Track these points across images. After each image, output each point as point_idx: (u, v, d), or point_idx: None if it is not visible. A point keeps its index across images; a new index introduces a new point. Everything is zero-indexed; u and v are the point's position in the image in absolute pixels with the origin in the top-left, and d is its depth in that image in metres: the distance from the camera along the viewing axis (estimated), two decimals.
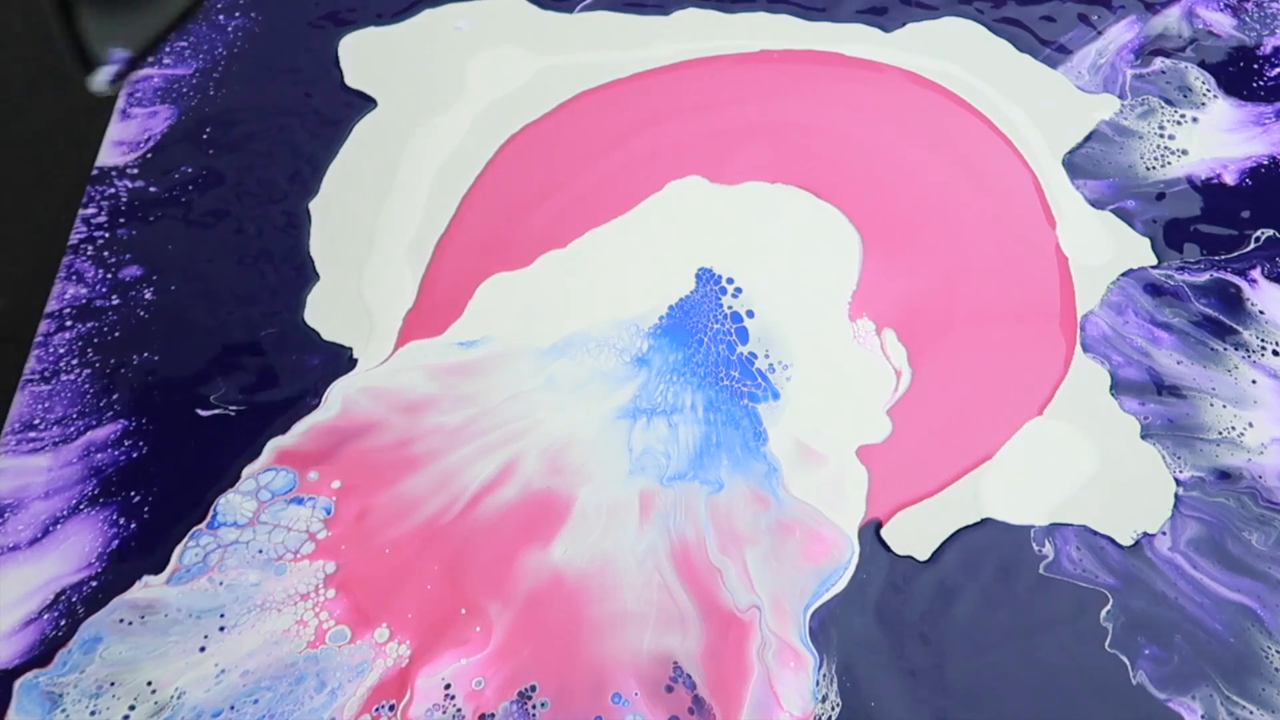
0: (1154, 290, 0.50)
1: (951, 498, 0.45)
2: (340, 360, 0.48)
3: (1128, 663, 0.41)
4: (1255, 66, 0.58)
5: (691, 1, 0.61)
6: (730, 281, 0.50)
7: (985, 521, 0.44)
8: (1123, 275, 0.50)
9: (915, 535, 0.44)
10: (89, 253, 0.52)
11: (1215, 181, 0.53)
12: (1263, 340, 0.48)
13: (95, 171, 0.55)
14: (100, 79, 0.31)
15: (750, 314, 0.49)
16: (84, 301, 0.50)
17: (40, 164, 0.55)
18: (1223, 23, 0.60)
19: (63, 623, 0.41)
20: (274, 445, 0.46)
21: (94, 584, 0.42)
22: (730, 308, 0.49)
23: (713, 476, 0.45)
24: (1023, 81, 0.58)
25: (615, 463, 0.45)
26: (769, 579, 0.42)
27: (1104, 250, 0.51)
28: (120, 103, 0.57)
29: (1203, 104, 0.56)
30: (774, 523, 0.44)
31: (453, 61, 0.59)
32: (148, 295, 0.50)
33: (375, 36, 0.60)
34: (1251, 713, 0.40)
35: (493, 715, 0.40)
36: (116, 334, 0.49)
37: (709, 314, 0.49)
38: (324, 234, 0.52)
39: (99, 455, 0.46)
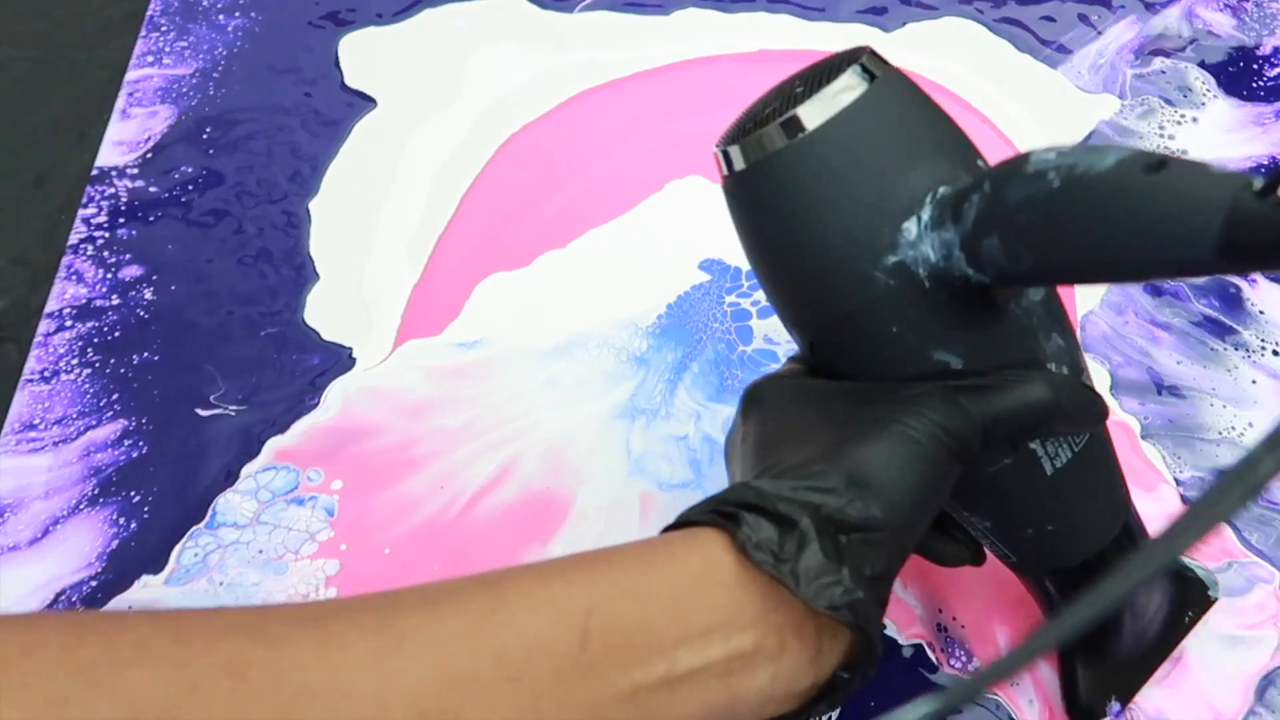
0: (1154, 290, 0.50)
1: None
2: (340, 360, 0.48)
3: None
4: (1255, 66, 0.58)
5: (691, 1, 0.61)
6: (734, 278, 0.50)
7: None
8: None
9: None
10: (89, 253, 0.52)
11: None
12: (1263, 340, 0.48)
13: (95, 171, 0.55)
14: None
15: (757, 313, 0.49)
16: (84, 301, 0.50)
17: (40, 164, 0.55)
18: (1223, 23, 0.60)
19: None
20: (274, 445, 0.46)
21: (94, 584, 0.42)
22: (733, 305, 0.49)
23: (716, 489, 0.45)
24: (1023, 81, 0.58)
25: (615, 463, 0.45)
26: None
27: None
28: (120, 103, 0.57)
29: (1203, 104, 0.56)
30: None
31: (452, 61, 0.59)
32: (148, 295, 0.50)
33: (375, 36, 0.61)
34: None
35: None
36: (116, 334, 0.49)
37: (709, 313, 0.49)
38: (324, 234, 0.52)
39: (99, 455, 0.46)
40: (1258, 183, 0.20)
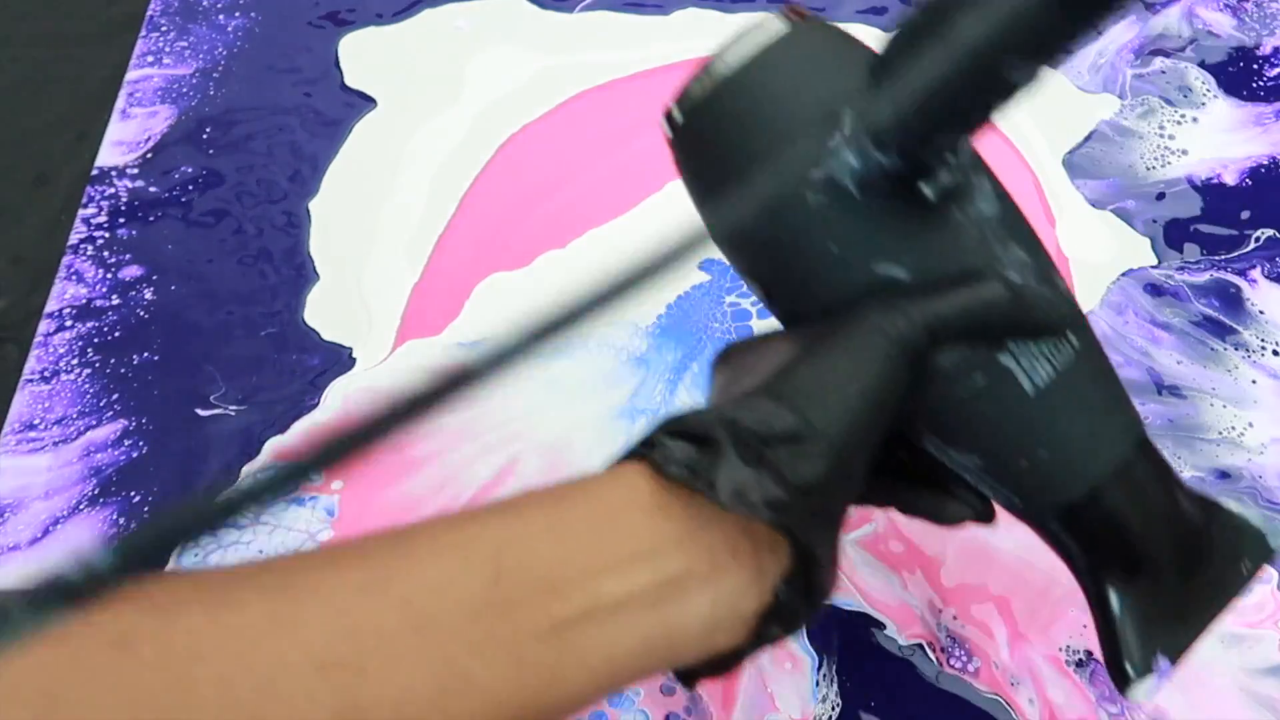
0: (1154, 290, 0.50)
1: None
2: (340, 360, 0.48)
3: None
4: (1255, 66, 0.58)
5: (691, 1, 0.61)
6: (734, 278, 0.50)
7: None
8: (1123, 275, 0.50)
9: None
10: (89, 253, 0.52)
11: (1215, 181, 0.53)
12: (1263, 340, 0.48)
13: (95, 171, 0.55)
14: (1142, 688, 0.32)
15: (757, 313, 0.49)
16: (84, 301, 0.50)
17: (40, 164, 0.55)
18: (1223, 23, 0.60)
19: None
20: (273, 445, 0.46)
21: None
22: (733, 305, 0.49)
23: None
24: None
25: None
26: None
27: (1104, 250, 0.51)
28: (120, 103, 0.57)
29: (1203, 104, 0.56)
30: None
31: (452, 61, 0.59)
32: (148, 295, 0.50)
33: (375, 36, 0.60)
34: None
35: None
36: (116, 334, 0.49)
37: (709, 313, 0.49)
38: (324, 234, 0.52)
39: (99, 455, 0.46)
40: None
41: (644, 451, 0.25)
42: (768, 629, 0.25)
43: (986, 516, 0.33)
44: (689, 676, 0.26)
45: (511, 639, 0.21)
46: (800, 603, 0.25)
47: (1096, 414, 0.31)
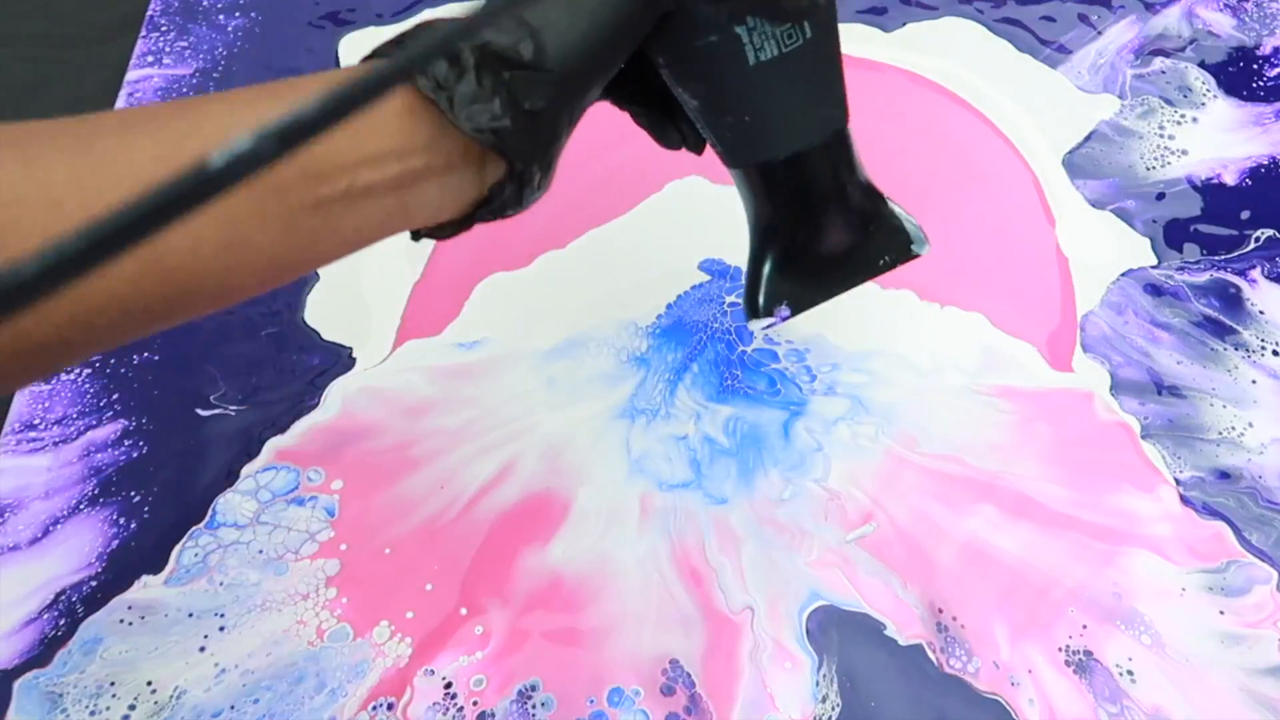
0: (1154, 290, 0.50)
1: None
2: (340, 360, 0.48)
3: None
4: (1255, 66, 0.58)
5: None
6: (734, 278, 0.50)
7: None
8: (1123, 275, 0.50)
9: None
10: None
11: (1215, 181, 0.53)
12: (1263, 340, 0.48)
13: None
14: (762, 324, 0.39)
15: None
16: None
17: None
18: (1223, 23, 0.60)
19: (62, 623, 0.41)
20: (274, 445, 0.46)
21: (94, 584, 0.42)
22: (733, 305, 0.49)
23: (716, 490, 0.45)
24: (1023, 81, 0.58)
25: (614, 463, 0.45)
26: (764, 581, 0.42)
27: (1104, 250, 0.51)
28: (120, 103, 0.57)
29: (1203, 104, 0.56)
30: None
31: None
32: None
33: (375, 36, 0.60)
34: None
35: (493, 714, 0.40)
36: None
37: (709, 313, 0.49)
38: None
39: (99, 455, 0.46)
40: None
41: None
42: (481, 214, 0.31)
43: (699, 149, 0.38)
44: (417, 236, 0.32)
45: (284, 210, 0.26)
46: (510, 202, 0.30)
47: (802, 100, 0.34)
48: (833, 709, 0.39)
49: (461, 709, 0.40)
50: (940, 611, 0.41)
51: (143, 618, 0.42)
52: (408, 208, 0.28)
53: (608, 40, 0.29)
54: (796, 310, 0.39)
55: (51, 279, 0.13)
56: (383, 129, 0.27)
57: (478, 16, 0.29)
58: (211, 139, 0.25)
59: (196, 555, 0.43)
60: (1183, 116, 0.56)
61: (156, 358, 0.48)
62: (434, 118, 0.27)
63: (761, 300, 0.39)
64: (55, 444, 0.46)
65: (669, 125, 0.38)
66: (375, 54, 0.29)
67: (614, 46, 0.30)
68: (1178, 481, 0.44)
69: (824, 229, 0.38)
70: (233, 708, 0.40)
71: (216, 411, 0.47)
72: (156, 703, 0.40)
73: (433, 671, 0.40)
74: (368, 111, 0.26)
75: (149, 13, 0.61)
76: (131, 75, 0.58)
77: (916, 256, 0.40)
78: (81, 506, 0.44)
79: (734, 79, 0.33)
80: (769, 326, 0.40)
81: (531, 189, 0.31)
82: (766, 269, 0.39)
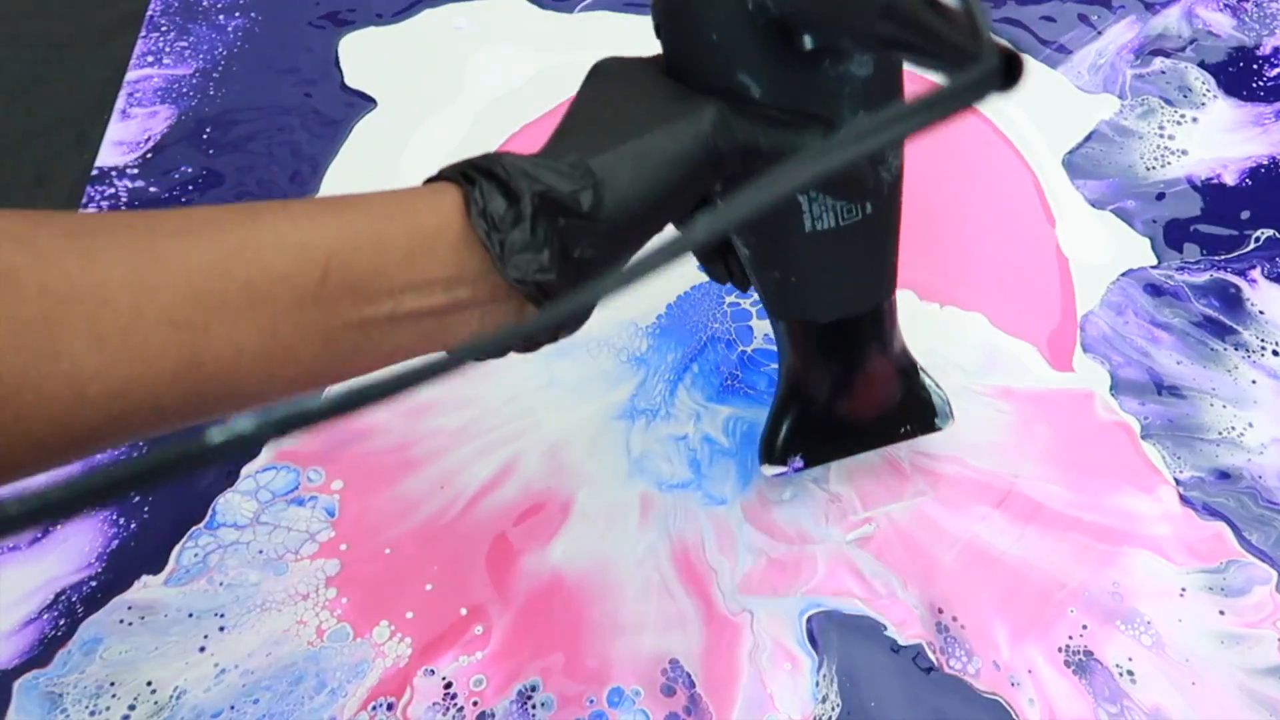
0: (1154, 290, 0.50)
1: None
2: None
3: None
4: (1255, 66, 0.58)
5: None
6: None
7: None
8: (1123, 275, 0.50)
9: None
10: None
11: (1215, 181, 0.53)
12: (1263, 340, 0.48)
13: (95, 171, 0.55)
14: (770, 470, 0.41)
15: (757, 313, 0.49)
16: None
17: (40, 164, 0.55)
18: (1223, 23, 0.60)
19: (62, 623, 0.41)
20: (274, 445, 0.46)
21: (94, 584, 0.42)
22: (733, 305, 0.49)
23: (716, 490, 0.45)
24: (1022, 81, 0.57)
25: (614, 463, 0.45)
26: (764, 581, 0.42)
27: (1104, 250, 0.51)
28: (120, 103, 0.57)
29: (1203, 104, 0.56)
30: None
31: (452, 61, 0.59)
32: None
33: (375, 36, 0.61)
34: None
35: (493, 714, 0.40)
36: None
37: (709, 313, 0.49)
38: None
39: (99, 455, 0.46)
40: None
41: (466, 185, 0.29)
42: (515, 346, 0.31)
43: (743, 288, 0.39)
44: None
45: (327, 327, 0.26)
46: (545, 340, 0.31)
47: (850, 272, 0.35)
48: (832, 709, 0.39)
49: (461, 709, 0.40)
50: (940, 612, 0.41)
51: (143, 618, 0.42)
52: (448, 332, 0.29)
53: (666, 200, 0.30)
54: (809, 465, 0.40)
55: (31, 521, 0.15)
56: (434, 259, 0.28)
57: (548, 150, 0.29)
58: (267, 251, 0.26)
59: (196, 555, 0.43)
60: (1183, 116, 0.56)
61: None
62: (485, 254, 0.28)
63: (779, 449, 0.40)
64: None
65: (719, 261, 0.39)
66: (441, 176, 0.30)
67: (672, 206, 0.30)
68: (1177, 481, 0.44)
69: (852, 394, 0.39)
70: (232, 708, 0.40)
71: None
72: (156, 703, 0.40)
73: (433, 671, 0.40)
74: (422, 235, 0.27)
75: (149, 13, 0.61)
76: (131, 75, 0.58)
77: (938, 430, 0.40)
78: None
79: (787, 241, 0.33)
80: (779, 475, 0.41)
81: (567, 331, 0.31)
82: (788, 422, 0.40)
